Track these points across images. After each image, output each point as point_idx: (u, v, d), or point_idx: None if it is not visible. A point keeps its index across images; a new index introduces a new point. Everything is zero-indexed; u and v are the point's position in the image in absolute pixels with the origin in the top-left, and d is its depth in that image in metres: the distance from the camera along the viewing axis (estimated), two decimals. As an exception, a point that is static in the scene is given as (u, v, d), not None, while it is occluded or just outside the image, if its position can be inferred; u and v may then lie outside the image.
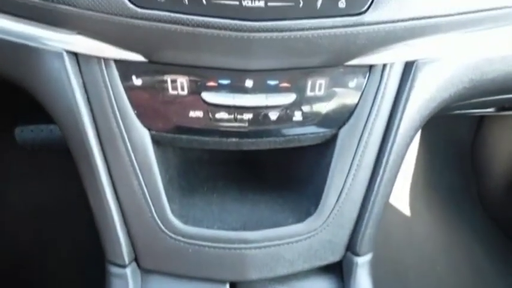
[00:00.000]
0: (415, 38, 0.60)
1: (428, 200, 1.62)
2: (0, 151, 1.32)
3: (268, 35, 0.55)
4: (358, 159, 0.66)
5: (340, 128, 0.66)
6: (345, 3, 0.55)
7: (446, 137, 1.63)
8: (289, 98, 0.61)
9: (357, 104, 0.64)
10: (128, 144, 0.63)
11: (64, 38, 0.57)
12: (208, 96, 0.60)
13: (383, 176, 0.68)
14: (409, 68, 0.63)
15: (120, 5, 0.53)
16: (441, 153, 1.66)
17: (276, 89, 0.61)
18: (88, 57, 0.58)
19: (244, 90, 0.60)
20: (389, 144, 0.66)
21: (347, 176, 0.67)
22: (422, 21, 0.58)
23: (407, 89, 0.63)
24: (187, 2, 0.53)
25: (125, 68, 0.59)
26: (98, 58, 0.57)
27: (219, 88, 0.60)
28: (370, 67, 0.62)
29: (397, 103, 0.64)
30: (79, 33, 0.56)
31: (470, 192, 1.64)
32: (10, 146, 1.15)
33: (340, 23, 0.55)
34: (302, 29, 0.55)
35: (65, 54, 0.57)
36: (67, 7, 0.53)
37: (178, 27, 0.54)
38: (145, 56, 0.58)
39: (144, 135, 0.63)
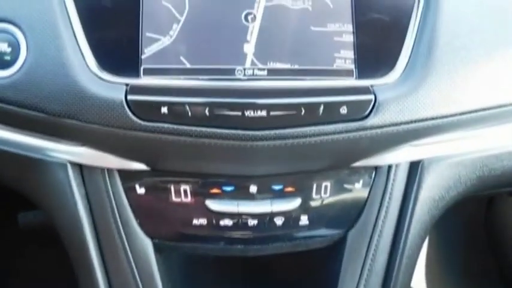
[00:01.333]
0: (419, 138, 0.60)
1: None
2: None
3: (271, 143, 0.55)
4: (369, 263, 0.63)
5: (348, 230, 0.63)
6: (346, 109, 0.56)
7: (457, 218, 1.60)
8: (294, 202, 0.60)
9: (364, 206, 0.62)
10: (129, 254, 0.60)
11: (69, 149, 0.57)
12: (212, 204, 0.59)
13: (396, 281, 0.64)
14: (415, 167, 0.62)
15: (124, 118, 0.54)
16: (453, 236, 1.61)
17: (280, 194, 0.60)
18: (92, 168, 0.58)
19: (249, 197, 0.59)
20: (401, 247, 0.63)
21: (358, 281, 0.63)
22: (425, 123, 0.58)
23: (414, 189, 0.62)
24: (190, 114, 0.54)
25: (128, 177, 0.59)
26: (102, 169, 0.58)
27: (223, 195, 0.59)
28: (376, 168, 0.62)
29: (406, 204, 0.62)
30: (83, 145, 0.57)
31: (489, 275, 1.56)
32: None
33: (342, 129, 0.56)
34: (305, 136, 0.55)
35: (69, 165, 0.58)
36: (73, 121, 0.55)
37: (182, 138, 0.54)
38: (148, 165, 0.58)
39: (146, 245, 0.61)
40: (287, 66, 0.60)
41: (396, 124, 0.57)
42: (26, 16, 0.56)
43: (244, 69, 0.59)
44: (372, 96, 0.57)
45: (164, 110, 0.53)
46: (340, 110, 0.55)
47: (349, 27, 0.61)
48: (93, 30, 0.57)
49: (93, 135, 0.55)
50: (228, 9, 0.60)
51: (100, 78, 0.55)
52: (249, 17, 0.60)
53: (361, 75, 0.60)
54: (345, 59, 0.61)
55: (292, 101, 0.56)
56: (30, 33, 0.55)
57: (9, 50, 0.55)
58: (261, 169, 0.58)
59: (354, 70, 0.61)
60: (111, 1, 0.58)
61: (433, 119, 0.58)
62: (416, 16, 0.62)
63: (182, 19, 0.59)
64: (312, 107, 0.55)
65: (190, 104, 0.54)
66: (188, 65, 0.59)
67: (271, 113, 0.54)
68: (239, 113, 0.54)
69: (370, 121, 0.56)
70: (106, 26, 0.58)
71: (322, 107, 0.55)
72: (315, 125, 0.55)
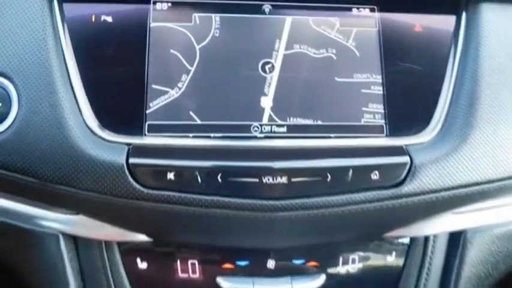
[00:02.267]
0: (461, 206, 0.53)
1: None
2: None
3: (293, 213, 0.48)
4: None
5: (379, 310, 0.56)
6: (378, 174, 0.49)
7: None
8: (318, 280, 0.52)
9: (397, 283, 0.55)
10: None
11: (61, 218, 0.51)
12: (224, 282, 0.51)
13: None
14: (456, 239, 0.54)
15: (125, 186, 0.47)
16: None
17: (302, 270, 0.53)
18: (87, 240, 0.51)
19: (266, 273, 0.52)
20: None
21: None
22: (469, 189, 0.51)
23: (456, 265, 0.54)
24: (200, 181, 0.47)
25: (129, 251, 0.52)
26: (99, 241, 0.51)
27: (237, 271, 0.52)
28: (411, 239, 0.54)
29: (445, 283, 0.55)
30: (78, 213, 0.50)
31: None
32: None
33: (374, 197, 0.49)
34: (331, 206, 0.48)
35: (61, 237, 0.51)
36: (66, 188, 0.48)
37: (191, 208, 0.47)
38: (152, 237, 0.51)
39: (148, 327, 0.53)
40: (309, 122, 0.53)
41: (435, 191, 0.50)
42: (19, 68, 0.49)
43: (261, 126, 0.53)
44: (406, 159, 0.50)
45: (171, 176, 0.47)
46: (372, 175, 0.49)
47: (378, 78, 0.55)
48: (93, 83, 0.51)
49: (90, 203, 0.48)
50: (244, 58, 0.54)
51: (99, 137, 0.49)
52: (267, 67, 0.54)
53: (392, 132, 0.54)
54: (374, 113, 0.54)
55: (316, 165, 0.49)
56: (23, 87, 0.49)
57: (-1, 105, 0.49)
58: (280, 242, 0.51)
59: (385, 126, 0.54)
60: (114, 50, 0.53)
61: (477, 184, 0.51)
62: (453, 65, 0.55)
63: (192, 69, 0.53)
64: (339, 173, 0.48)
65: (200, 169, 0.47)
66: (198, 121, 0.52)
67: (293, 180, 0.47)
68: (256, 180, 0.47)
69: (406, 188, 0.49)
70: (107, 77, 0.52)
71: (351, 172, 0.48)
72: (342, 194, 0.48)
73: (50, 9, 0.52)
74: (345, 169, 0.48)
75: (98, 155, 0.48)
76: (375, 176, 0.49)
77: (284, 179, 0.47)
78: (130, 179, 0.47)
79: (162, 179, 0.47)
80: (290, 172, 0.48)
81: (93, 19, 0.53)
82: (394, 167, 0.49)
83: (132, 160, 0.47)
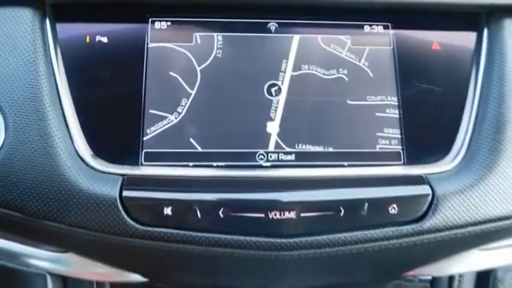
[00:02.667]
0: (490, 242, 0.48)
1: None
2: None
3: (303, 252, 0.43)
4: None
5: None
6: (396, 208, 0.44)
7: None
8: (331, 324, 0.48)
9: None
10: None
11: (49, 256, 0.47)
12: (226, 327, 0.47)
13: None
14: (484, 279, 0.49)
15: (118, 222, 0.43)
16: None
17: (313, 313, 0.48)
18: (77, 280, 0.47)
19: (273, 317, 0.47)
20: None
21: None
22: (498, 223, 0.46)
23: (485, 308, 0.49)
24: (200, 216, 0.43)
25: (122, 292, 0.48)
26: (90, 281, 0.47)
27: (240, 314, 0.47)
28: (433, 279, 0.49)
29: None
30: (67, 251, 0.46)
31: None
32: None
33: (392, 234, 0.44)
34: (345, 244, 0.43)
35: (48, 277, 0.47)
36: (54, 224, 0.44)
37: (190, 247, 0.43)
38: (147, 277, 0.46)
39: None
40: (319, 149, 0.49)
41: (460, 226, 0.45)
42: (6, 92, 0.46)
43: (267, 154, 0.49)
44: (427, 190, 0.45)
45: (168, 211, 0.43)
46: (389, 209, 0.44)
47: (394, 100, 0.51)
48: (86, 109, 0.48)
49: (80, 240, 0.44)
50: (248, 80, 0.50)
51: (91, 167, 0.45)
52: (273, 90, 0.50)
53: (410, 159, 0.49)
54: (390, 139, 0.50)
55: (328, 198, 0.44)
56: (10, 113, 0.45)
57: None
58: (288, 283, 0.46)
59: (402, 153, 0.50)
60: (109, 73, 0.49)
61: (507, 218, 0.46)
62: (475, 85, 0.51)
63: (193, 93, 0.49)
64: (353, 206, 0.43)
65: (199, 203, 0.43)
66: (199, 149, 0.48)
67: (302, 215, 0.43)
68: (262, 215, 0.43)
69: (428, 223, 0.44)
70: (102, 102, 0.48)
71: (366, 206, 0.43)
72: (357, 230, 0.43)
73: (41, 30, 0.48)
74: (360, 202, 0.44)
75: (89, 188, 0.44)
76: (392, 209, 0.44)
77: (293, 214, 0.43)
78: (124, 215, 0.43)
79: (158, 214, 0.43)
80: (299, 206, 0.43)
81: (88, 40, 0.50)
82: (414, 200, 0.45)
83: (126, 193, 0.43)
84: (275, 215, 0.43)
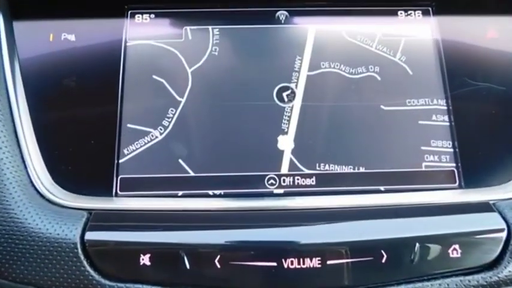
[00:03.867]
0: None
1: None
2: None
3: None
4: None
5: None
6: (459, 250, 0.32)
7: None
8: None
9: None
10: None
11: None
12: None
13: None
14: None
15: (79, 276, 0.31)
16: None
17: None
18: None
19: None
20: None
21: None
22: None
23: None
24: (188, 267, 0.31)
25: None
26: None
27: None
28: None
29: None
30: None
31: None
32: None
33: (454, 284, 0.32)
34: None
35: None
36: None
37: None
38: None
39: None
40: (347, 170, 0.38)
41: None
42: None
43: (280, 178, 0.38)
44: (500, 222, 0.33)
45: (145, 260, 0.31)
46: (450, 251, 0.32)
47: (442, 104, 0.40)
48: (45, 126, 0.37)
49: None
50: (252, 83, 0.40)
51: (47, 200, 0.35)
52: (285, 95, 0.40)
53: (469, 181, 0.38)
54: (440, 154, 0.39)
55: (364, 238, 0.33)
56: None
57: None
58: None
59: (457, 172, 0.38)
60: (76, 78, 0.39)
61: None
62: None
63: (182, 101, 0.39)
64: (399, 249, 0.32)
65: (189, 248, 0.32)
66: (191, 173, 0.38)
67: (329, 263, 0.31)
68: (273, 264, 0.31)
69: (505, 270, 0.32)
70: (65, 116, 0.38)
71: (417, 248, 0.32)
72: (406, 283, 0.32)
73: None
74: (408, 242, 0.32)
75: (42, 228, 0.33)
76: (454, 252, 0.32)
77: (316, 262, 0.31)
78: (86, 265, 0.32)
79: (132, 265, 0.31)
80: (325, 250, 0.32)
81: (51, 38, 0.41)
82: (483, 237, 0.33)
83: (89, 235, 0.33)
84: (292, 263, 0.31)
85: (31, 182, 0.36)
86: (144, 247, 0.32)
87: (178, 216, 0.35)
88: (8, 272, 0.33)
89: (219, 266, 0.32)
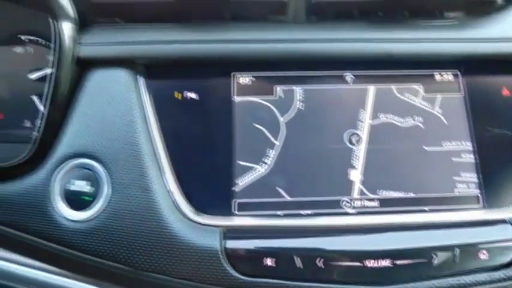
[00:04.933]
0: None
1: None
2: None
3: (400, 298, 0.45)
4: None
5: None
6: (486, 254, 0.46)
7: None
8: None
9: None
10: None
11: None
12: None
13: None
14: None
15: (223, 273, 0.45)
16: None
17: None
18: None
19: None
20: None
21: None
22: None
23: None
24: (300, 266, 0.45)
25: None
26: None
27: None
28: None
29: None
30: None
31: None
32: None
33: (484, 279, 0.46)
34: (439, 289, 0.46)
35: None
36: (159, 276, 0.46)
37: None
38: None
39: None
40: (401, 195, 0.51)
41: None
42: (109, 150, 0.49)
43: (352, 201, 0.51)
44: (513, 233, 0.47)
45: (269, 261, 0.45)
46: (479, 254, 0.46)
47: (469, 146, 0.53)
48: (180, 163, 0.51)
49: (182, 292, 0.47)
50: (329, 130, 0.53)
51: (190, 220, 0.48)
52: (354, 139, 0.53)
53: (489, 203, 0.51)
54: (468, 183, 0.52)
55: (421, 246, 0.46)
56: (114, 170, 0.49)
57: (89, 189, 0.49)
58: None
59: (480, 197, 0.52)
60: (199, 127, 0.52)
61: None
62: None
63: (278, 143, 0.52)
64: (445, 253, 0.45)
65: (299, 253, 0.45)
66: (288, 198, 0.51)
67: (397, 262, 0.45)
68: (359, 264, 0.45)
69: (518, 268, 0.46)
70: (194, 156, 0.51)
71: (458, 252, 0.45)
72: (451, 276, 0.45)
73: (136, 88, 0.52)
74: (451, 248, 0.46)
75: (191, 240, 0.46)
76: (483, 255, 0.46)
77: (388, 262, 0.45)
78: (228, 266, 0.45)
79: (260, 264, 0.45)
80: (394, 254, 0.45)
81: (177, 95, 0.54)
82: (503, 245, 0.47)
83: (228, 245, 0.46)
84: (371, 263, 0.45)
85: (176, 206, 0.49)
86: (268, 252, 0.46)
87: (287, 230, 0.48)
88: (169, 271, 0.46)
89: (321, 265, 0.45)
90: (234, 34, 0.54)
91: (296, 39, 0.54)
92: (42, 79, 0.62)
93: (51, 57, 0.61)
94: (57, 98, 0.50)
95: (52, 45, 0.51)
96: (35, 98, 0.63)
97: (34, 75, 0.62)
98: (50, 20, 0.51)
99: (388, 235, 0.47)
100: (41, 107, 0.57)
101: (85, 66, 0.52)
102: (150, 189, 0.48)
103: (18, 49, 0.63)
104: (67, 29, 0.50)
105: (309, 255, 0.45)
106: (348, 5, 0.55)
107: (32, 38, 0.62)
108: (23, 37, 0.62)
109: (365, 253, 0.45)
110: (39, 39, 0.63)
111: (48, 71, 0.63)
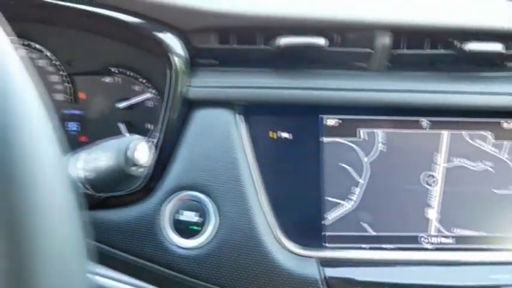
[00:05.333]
0: None
1: None
2: None
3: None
4: None
5: None
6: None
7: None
8: None
9: None
10: None
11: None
12: None
13: None
14: None
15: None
16: None
17: None
18: None
19: None
20: None
21: None
22: None
23: None
24: (392, 298, 0.51)
25: None
26: None
27: None
28: None
29: None
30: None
31: None
32: None
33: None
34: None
35: None
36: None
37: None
38: None
39: None
40: (475, 233, 0.57)
41: None
42: (216, 185, 0.55)
43: (429, 237, 0.57)
44: None
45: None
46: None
47: (534, 189, 0.59)
48: (276, 198, 0.56)
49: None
50: (408, 171, 0.58)
51: (289, 251, 0.53)
52: (430, 180, 0.59)
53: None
54: (535, 224, 0.58)
55: (494, 283, 0.52)
56: (221, 202, 0.54)
57: (197, 219, 0.54)
58: None
59: (544, 236, 0.57)
60: (292, 165, 0.58)
61: None
62: None
63: (363, 182, 0.58)
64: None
65: (389, 284, 0.51)
66: (372, 232, 0.56)
67: (477, 298, 0.51)
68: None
69: None
70: (287, 191, 0.57)
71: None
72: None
73: (236, 127, 0.57)
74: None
75: (291, 269, 0.52)
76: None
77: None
78: (326, 292, 0.51)
79: (354, 291, 0.51)
80: (473, 290, 0.51)
81: (272, 135, 0.59)
82: None
83: (328, 274, 0.51)
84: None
85: (276, 238, 0.54)
86: (363, 283, 0.51)
87: (371, 262, 0.54)
88: (272, 295, 0.52)
89: (411, 298, 0.51)
90: (323, 81, 0.59)
91: (378, 89, 0.59)
92: (129, 108, 0.69)
93: (137, 88, 0.67)
94: (167, 135, 0.56)
95: (166, 88, 0.56)
96: (122, 126, 0.68)
97: (122, 104, 0.68)
98: (166, 64, 0.57)
99: (464, 271, 0.53)
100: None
101: (191, 106, 0.58)
102: (253, 221, 0.53)
103: (107, 79, 0.69)
104: (181, 73, 0.56)
105: (396, 285, 0.51)
106: (426, 57, 0.60)
107: (120, 69, 0.68)
108: (112, 69, 0.68)
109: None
110: (127, 71, 0.68)
111: (133, 100, 0.69)
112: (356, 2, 0.60)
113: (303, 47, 0.57)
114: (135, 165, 0.38)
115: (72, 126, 0.69)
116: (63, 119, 0.69)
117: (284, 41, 0.56)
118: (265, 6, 0.58)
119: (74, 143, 0.68)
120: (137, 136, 0.37)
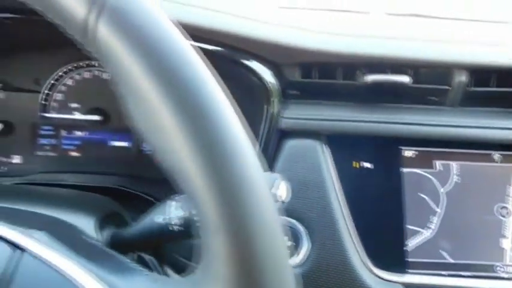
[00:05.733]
0: None
1: None
2: None
3: None
4: None
5: None
6: None
7: None
8: None
9: None
10: None
11: None
12: None
13: None
14: None
15: None
16: None
17: None
18: None
19: None
20: None
21: None
22: None
23: None
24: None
25: None
26: None
27: None
28: None
29: None
30: None
31: None
32: None
33: None
34: None
35: None
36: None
37: None
38: None
39: None
40: (545, 264, 0.61)
41: None
42: (307, 210, 0.58)
43: (505, 266, 0.60)
44: None
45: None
46: None
47: None
48: (362, 225, 0.60)
49: None
50: (482, 202, 0.62)
51: (376, 276, 0.57)
52: (503, 211, 0.62)
53: None
54: None
55: None
56: (312, 229, 0.58)
57: (290, 244, 0.57)
58: None
59: None
60: (374, 193, 0.61)
61: None
62: None
63: (440, 211, 0.61)
64: None
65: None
66: (451, 260, 0.60)
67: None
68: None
69: None
70: (372, 219, 0.60)
71: None
72: None
73: (323, 156, 0.61)
74: None
75: (383, 293, 0.56)
76: None
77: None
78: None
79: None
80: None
81: (355, 165, 0.63)
82: None
83: None
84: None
85: (363, 264, 0.58)
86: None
87: (452, 288, 0.58)
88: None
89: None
90: (402, 116, 0.63)
91: (453, 124, 0.63)
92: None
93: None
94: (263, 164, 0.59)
95: (263, 119, 0.60)
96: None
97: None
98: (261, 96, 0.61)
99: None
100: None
101: (282, 135, 0.62)
102: (343, 247, 0.57)
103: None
104: (276, 105, 0.60)
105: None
106: (496, 93, 0.65)
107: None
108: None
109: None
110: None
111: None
112: (427, 42, 0.64)
113: (388, 83, 0.61)
114: (276, 201, 0.41)
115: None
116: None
117: (372, 77, 0.60)
118: (352, 45, 0.62)
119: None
120: (277, 174, 0.41)
